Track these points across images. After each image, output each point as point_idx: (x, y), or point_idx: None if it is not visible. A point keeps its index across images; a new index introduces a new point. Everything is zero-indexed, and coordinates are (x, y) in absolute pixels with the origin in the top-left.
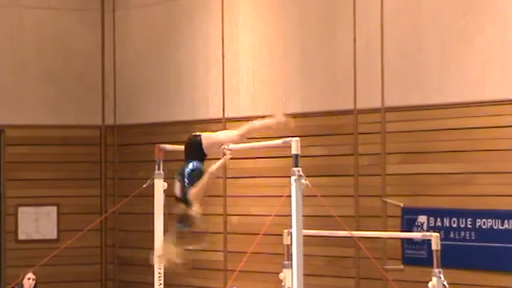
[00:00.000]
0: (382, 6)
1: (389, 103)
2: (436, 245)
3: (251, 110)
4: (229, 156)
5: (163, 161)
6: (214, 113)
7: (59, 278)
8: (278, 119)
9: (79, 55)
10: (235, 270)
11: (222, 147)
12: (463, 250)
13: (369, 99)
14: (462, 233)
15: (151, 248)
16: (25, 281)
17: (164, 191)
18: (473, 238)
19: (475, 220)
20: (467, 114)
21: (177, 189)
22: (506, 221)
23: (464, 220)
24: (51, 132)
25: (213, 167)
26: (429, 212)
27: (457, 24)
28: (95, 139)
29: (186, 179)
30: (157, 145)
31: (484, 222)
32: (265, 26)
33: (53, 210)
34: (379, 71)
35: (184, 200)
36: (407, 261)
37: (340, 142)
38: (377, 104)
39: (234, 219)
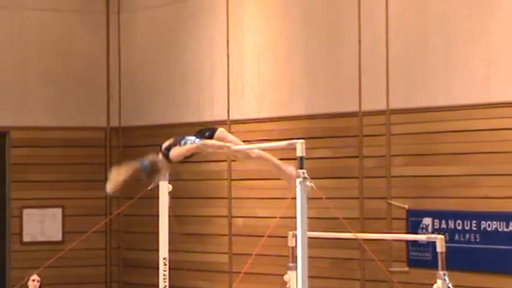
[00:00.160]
0: (387, 8)
1: (394, 105)
2: (441, 247)
3: (256, 111)
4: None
5: None
6: (220, 114)
7: (63, 280)
8: (290, 171)
9: (84, 57)
10: (240, 272)
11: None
12: (468, 252)
13: (374, 101)
14: (467, 235)
15: (157, 250)
16: (30, 283)
17: (169, 193)
18: (478, 240)
19: (480, 222)
20: (472, 116)
21: (167, 143)
22: (511, 223)
23: (469, 222)
24: (56, 134)
25: (211, 141)
26: (434, 214)
27: (462, 25)
28: (100, 141)
29: (181, 142)
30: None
31: (489, 224)
32: (270, 27)
33: (57, 212)
34: (384, 73)
35: (166, 153)
36: (412, 263)
37: (345, 144)
38: (382, 106)
39: (239, 221)
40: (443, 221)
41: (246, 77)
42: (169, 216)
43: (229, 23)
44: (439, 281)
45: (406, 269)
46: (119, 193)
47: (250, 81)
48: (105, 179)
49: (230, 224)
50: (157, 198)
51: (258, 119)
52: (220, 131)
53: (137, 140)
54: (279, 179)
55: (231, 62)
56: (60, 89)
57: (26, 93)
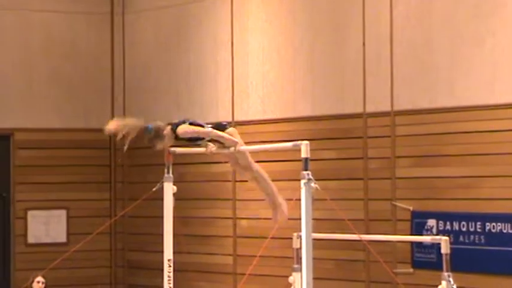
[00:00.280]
0: (391, 10)
1: (398, 107)
2: (445, 248)
3: (260, 113)
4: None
5: (173, 164)
6: (224, 116)
7: (68, 282)
8: (281, 201)
9: (88, 59)
10: (244, 274)
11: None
12: (472, 254)
13: (379, 103)
14: (472, 237)
15: (161, 252)
16: (34, 285)
17: (174, 194)
18: (482, 242)
19: (485, 224)
20: (477, 118)
21: (178, 120)
22: None
23: (473, 224)
24: (61, 136)
25: (219, 132)
26: (439, 216)
27: (467, 27)
28: (105, 143)
29: (191, 122)
30: (166, 148)
31: (493, 225)
32: (275, 29)
33: (62, 213)
34: (388, 75)
35: (174, 127)
36: (417, 264)
37: (349, 146)
38: (386, 107)
39: (244, 222)
40: (448, 223)
41: (251, 78)
42: (174, 217)
43: (234, 24)
44: (443, 283)
45: (411, 270)
46: (116, 138)
47: (255, 82)
48: (110, 181)
49: (235, 225)
50: (162, 199)
51: (262, 121)
52: (232, 130)
53: (142, 142)
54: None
55: (235, 63)
56: (64, 91)
57: (31, 95)
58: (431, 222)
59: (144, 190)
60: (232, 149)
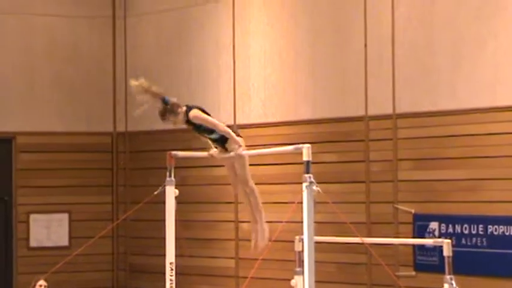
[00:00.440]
0: (393, 12)
1: (400, 109)
2: (447, 251)
3: (262, 116)
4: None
5: (175, 168)
6: (225, 119)
7: (70, 285)
8: (260, 240)
9: (90, 62)
10: (246, 277)
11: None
12: (474, 256)
13: (380, 106)
14: (474, 239)
15: (163, 255)
16: None
17: (176, 197)
18: (485, 244)
19: (487, 226)
20: (479, 120)
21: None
22: None
23: (475, 226)
24: (63, 139)
25: (227, 128)
26: (441, 219)
27: (469, 29)
28: (107, 146)
29: (203, 110)
30: (168, 152)
31: (495, 228)
32: (276, 32)
33: (64, 217)
34: (390, 77)
35: (188, 109)
36: (419, 267)
37: (351, 148)
38: (388, 110)
39: (246, 225)
40: (450, 225)
41: (252, 81)
42: (176, 221)
43: (235, 28)
44: (446, 285)
45: (413, 273)
46: (137, 94)
47: (256, 85)
48: (112, 184)
49: (237, 228)
50: (164, 203)
51: (264, 124)
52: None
53: (144, 145)
54: (284, 183)
55: (237, 67)
56: (66, 94)
57: (33, 99)
58: (434, 225)
59: (146, 193)
60: (232, 153)
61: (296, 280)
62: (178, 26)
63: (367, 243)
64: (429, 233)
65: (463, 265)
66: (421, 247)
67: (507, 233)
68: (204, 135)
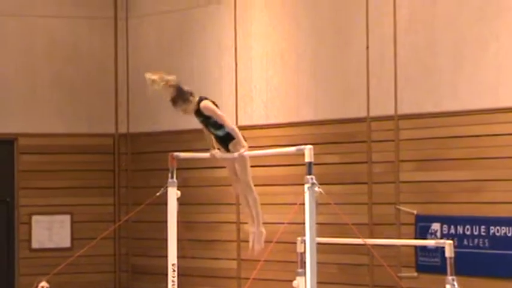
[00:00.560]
0: (394, 13)
1: (402, 110)
2: (449, 252)
3: (264, 118)
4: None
5: (177, 169)
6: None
7: (72, 287)
8: (257, 244)
9: (92, 63)
10: (248, 278)
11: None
12: (476, 257)
13: (382, 107)
14: (476, 241)
15: (165, 256)
16: None
17: (178, 199)
18: (487, 245)
19: (489, 227)
20: (481, 121)
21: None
22: None
23: (478, 227)
24: (65, 141)
25: (234, 126)
26: (443, 220)
27: (471, 30)
28: (109, 147)
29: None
30: (170, 153)
31: (497, 229)
32: (278, 33)
33: (66, 218)
34: (392, 78)
35: (200, 99)
36: (421, 268)
37: (353, 150)
38: (390, 111)
39: (247, 227)
40: (452, 226)
41: (254, 83)
42: (178, 222)
43: (237, 30)
44: (448, 286)
45: (415, 274)
46: (153, 86)
47: (258, 87)
48: (114, 186)
49: (238, 230)
50: (166, 204)
51: (265, 125)
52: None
53: (145, 147)
54: (286, 185)
55: (239, 68)
56: (68, 96)
57: (34, 100)
58: (436, 226)
59: (148, 195)
60: (234, 154)
61: (298, 281)
62: (180, 27)
63: (369, 244)
64: (431, 234)
65: (465, 266)
66: (423, 248)
67: (509, 234)
68: (211, 130)
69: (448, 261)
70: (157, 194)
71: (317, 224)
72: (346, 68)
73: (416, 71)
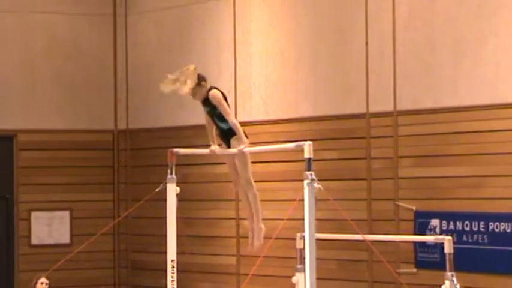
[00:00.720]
0: (394, 10)
1: (401, 107)
2: (449, 248)
3: (263, 114)
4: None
5: (176, 165)
6: None
7: (72, 283)
8: (256, 240)
9: (91, 60)
10: (248, 274)
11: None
12: (476, 253)
13: (381, 103)
14: (475, 237)
15: (165, 253)
16: (38, 286)
17: (177, 195)
18: (486, 241)
19: (488, 223)
20: (480, 117)
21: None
22: None
23: (477, 223)
24: (64, 137)
25: (237, 122)
26: (442, 216)
27: (470, 27)
28: (108, 144)
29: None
30: (169, 149)
31: (496, 225)
32: (277, 30)
33: (65, 214)
34: (391, 75)
35: (212, 87)
36: (420, 264)
37: (352, 146)
38: (389, 107)
39: (247, 223)
40: (451, 222)
41: (253, 79)
42: (177, 218)
43: (236, 26)
44: (447, 282)
45: (414, 270)
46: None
47: (258, 83)
48: (113, 182)
49: (238, 226)
50: (165, 200)
51: (265, 121)
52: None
53: (145, 143)
54: (285, 181)
55: (238, 65)
56: (67, 92)
57: (34, 96)
58: (435, 222)
59: (147, 191)
60: (234, 150)
61: (297, 277)
62: (179, 23)
63: (368, 240)
64: (430, 230)
65: (464, 262)
66: (422, 244)
67: (508, 230)
68: (216, 122)
69: (447, 257)
70: (157, 190)
71: (316, 220)
72: (345, 64)
73: (416, 67)
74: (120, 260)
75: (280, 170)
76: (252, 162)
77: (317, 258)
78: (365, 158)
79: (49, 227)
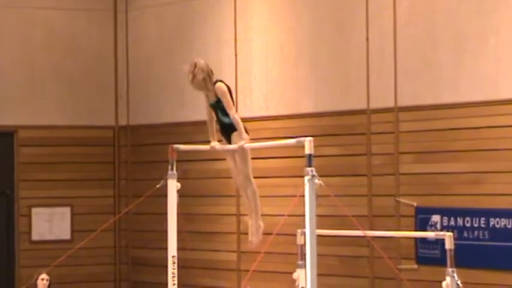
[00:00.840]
0: (394, 6)
1: (402, 103)
2: (449, 244)
3: (264, 110)
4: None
5: (177, 162)
6: None
7: (72, 279)
8: (255, 237)
9: (92, 55)
10: (248, 271)
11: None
12: (476, 249)
13: (382, 99)
14: (476, 233)
15: (165, 249)
16: (39, 282)
17: (178, 191)
18: (487, 237)
19: (489, 219)
20: (481, 114)
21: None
22: None
23: (478, 219)
24: (65, 133)
25: (240, 120)
26: (443, 212)
27: (470, 23)
28: (108, 140)
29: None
30: (170, 145)
31: (497, 221)
32: (278, 26)
33: (66, 210)
34: (392, 71)
35: (218, 80)
36: (421, 260)
37: (353, 142)
38: (390, 103)
39: (247, 219)
40: (452, 218)
41: (254, 75)
42: (178, 214)
43: (237, 22)
44: (448, 278)
45: (415, 266)
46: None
47: (258, 79)
48: (114, 178)
49: (238, 222)
50: (166, 196)
51: (265, 117)
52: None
53: (146, 139)
54: (286, 177)
55: (238, 61)
56: (68, 88)
57: (33, 93)
58: (435, 218)
59: (148, 187)
60: (236, 146)
61: (298, 273)
62: (180, 19)
63: (369, 236)
64: (431, 226)
65: (465, 258)
66: (423, 240)
67: (509, 226)
68: (218, 115)
69: (448, 253)
70: (157, 186)
71: (317, 216)
72: (346, 60)
73: (416, 63)
74: (121, 256)
75: (280, 166)
76: (253, 158)
77: (318, 254)
78: (366, 154)
79: (50, 223)
